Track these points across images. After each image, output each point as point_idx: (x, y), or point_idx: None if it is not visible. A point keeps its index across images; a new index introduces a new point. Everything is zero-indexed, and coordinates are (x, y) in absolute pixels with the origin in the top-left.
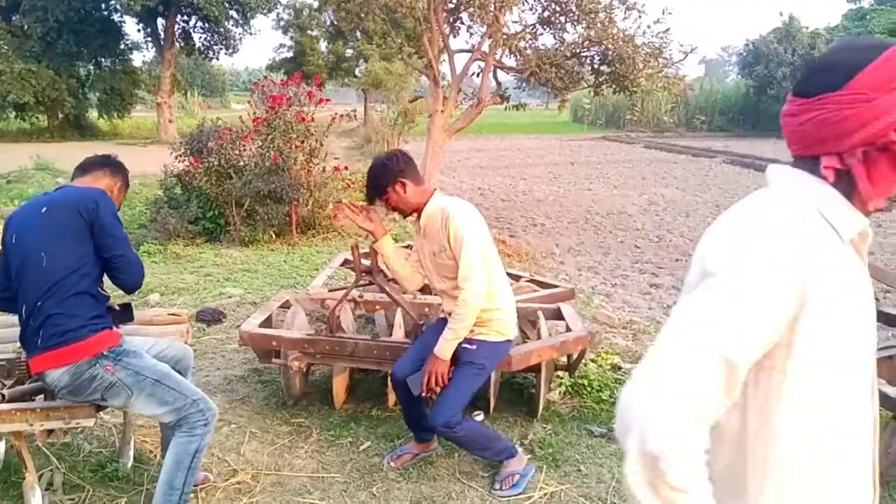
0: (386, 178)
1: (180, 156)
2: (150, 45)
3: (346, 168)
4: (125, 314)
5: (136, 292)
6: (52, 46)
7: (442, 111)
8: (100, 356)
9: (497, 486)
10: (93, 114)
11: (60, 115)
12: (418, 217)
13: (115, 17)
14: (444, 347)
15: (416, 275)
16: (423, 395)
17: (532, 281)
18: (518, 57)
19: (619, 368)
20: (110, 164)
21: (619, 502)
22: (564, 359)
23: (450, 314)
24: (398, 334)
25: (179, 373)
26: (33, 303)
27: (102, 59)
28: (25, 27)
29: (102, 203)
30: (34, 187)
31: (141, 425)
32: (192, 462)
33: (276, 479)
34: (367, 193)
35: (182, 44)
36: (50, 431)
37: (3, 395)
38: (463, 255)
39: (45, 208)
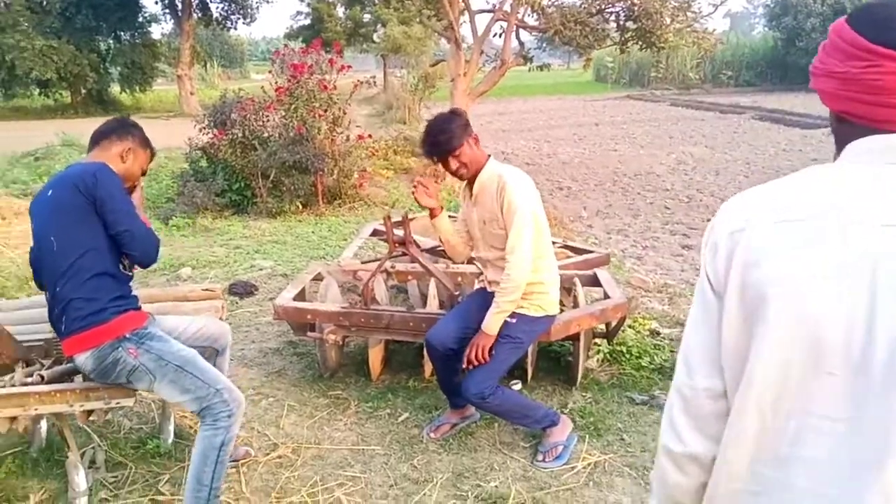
0: (459, 134)
1: (204, 128)
2: (168, 16)
3: (369, 136)
4: None
5: (167, 266)
6: (71, 21)
7: (464, 75)
8: (122, 339)
9: (540, 458)
10: (115, 88)
11: (83, 91)
12: (469, 184)
13: None
14: (491, 322)
15: (466, 247)
16: (465, 368)
17: (566, 247)
18: (541, 15)
19: (658, 334)
20: (116, 129)
21: None
22: (602, 326)
23: (490, 283)
24: (432, 305)
25: (217, 352)
26: (53, 288)
27: (122, 33)
28: (44, 3)
29: (101, 176)
30: (61, 163)
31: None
32: (219, 456)
33: (317, 453)
34: (434, 152)
35: (200, 14)
36: (90, 412)
37: (42, 377)
38: (514, 225)
39: (50, 190)
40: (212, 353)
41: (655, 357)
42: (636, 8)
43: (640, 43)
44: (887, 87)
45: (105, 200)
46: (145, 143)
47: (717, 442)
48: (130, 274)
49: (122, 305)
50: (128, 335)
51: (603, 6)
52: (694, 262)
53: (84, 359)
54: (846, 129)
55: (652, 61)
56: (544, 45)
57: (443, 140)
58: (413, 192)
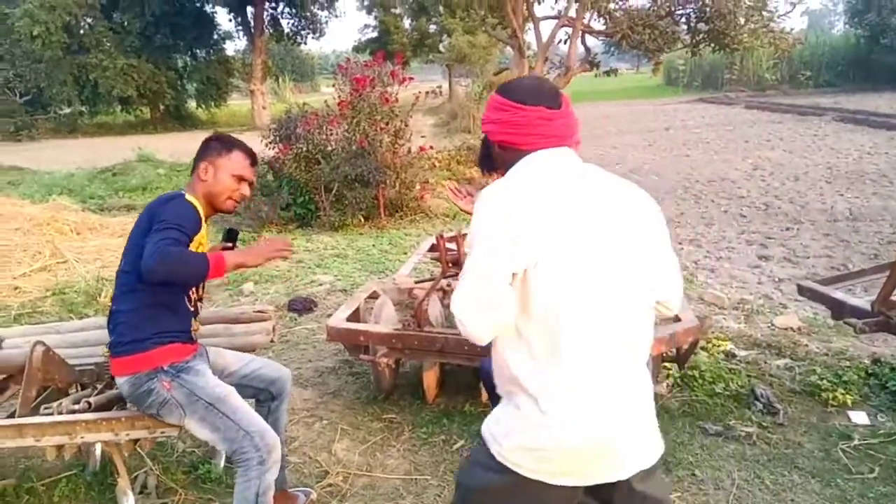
0: None
1: (270, 143)
2: (242, 33)
3: (431, 147)
4: (233, 237)
5: (231, 281)
6: (150, 41)
7: None
8: (159, 370)
9: None
10: (191, 104)
11: (162, 107)
12: None
13: (207, 8)
14: None
15: None
16: None
17: None
18: (608, 20)
19: (733, 356)
20: (198, 151)
21: None
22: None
23: None
24: None
25: (273, 397)
26: (112, 307)
27: (198, 51)
28: (125, 23)
29: (171, 202)
30: (137, 179)
31: None
32: None
33: (368, 482)
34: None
35: (271, 30)
36: (136, 440)
37: (90, 403)
38: None
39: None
40: (267, 396)
41: (731, 383)
42: (708, 9)
43: (712, 45)
44: (519, 123)
45: (159, 220)
46: (226, 150)
47: None
48: (192, 309)
49: (167, 337)
50: (165, 367)
51: (673, 8)
52: (773, 275)
53: (122, 382)
54: (506, 152)
55: (725, 63)
56: (612, 49)
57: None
58: (453, 201)
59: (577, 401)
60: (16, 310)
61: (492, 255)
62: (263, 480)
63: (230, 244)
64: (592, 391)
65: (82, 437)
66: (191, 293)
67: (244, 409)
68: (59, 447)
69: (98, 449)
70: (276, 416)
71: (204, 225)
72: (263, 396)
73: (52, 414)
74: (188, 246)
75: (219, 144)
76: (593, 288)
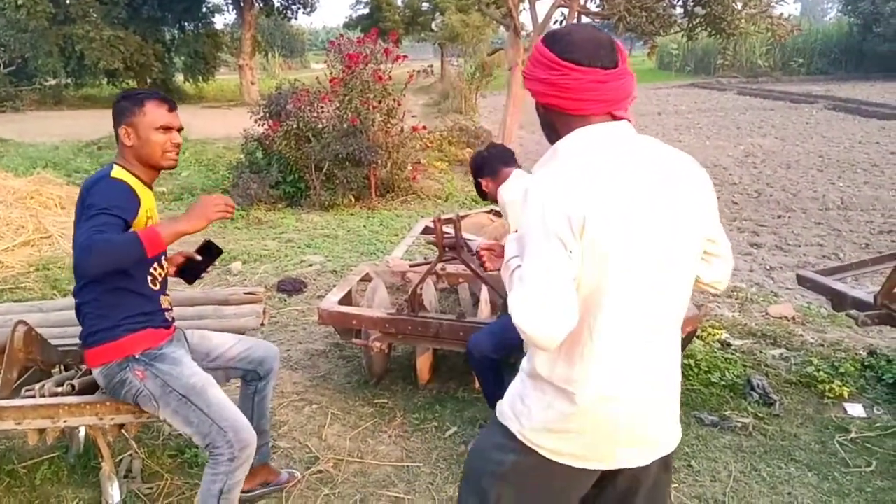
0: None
1: (259, 119)
2: (231, 7)
3: (423, 127)
4: (208, 253)
5: (219, 260)
6: (137, 12)
7: (522, 63)
8: (131, 359)
9: None
10: (178, 78)
11: (149, 80)
12: None
13: None
14: None
15: None
16: None
17: None
18: (604, 1)
19: (729, 346)
20: (113, 117)
21: None
22: None
23: None
24: (484, 311)
25: (260, 377)
26: (75, 300)
27: (186, 24)
28: None
29: (96, 183)
30: None
31: None
32: None
33: (359, 468)
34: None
35: (261, 4)
36: (121, 425)
37: (73, 386)
38: None
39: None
40: (254, 376)
41: (726, 372)
42: None
43: (708, 29)
44: (570, 87)
45: (87, 206)
46: (137, 106)
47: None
48: (156, 289)
49: (138, 322)
50: (137, 355)
51: None
52: (764, 262)
53: (96, 373)
54: (552, 115)
55: (719, 48)
56: (606, 31)
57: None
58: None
59: (608, 385)
60: None
61: (555, 256)
62: (231, 477)
63: (204, 259)
64: (625, 376)
65: (65, 421)
66: (152, 271)
67: (219, 402)
68: (41, 431)
69: (82, 431)
70: (262, 394)
71: (148, 194)
72: (250, 377)
73: (33, 397)
74: (127, 227)
75: (128, 103)
76: (640, 277)
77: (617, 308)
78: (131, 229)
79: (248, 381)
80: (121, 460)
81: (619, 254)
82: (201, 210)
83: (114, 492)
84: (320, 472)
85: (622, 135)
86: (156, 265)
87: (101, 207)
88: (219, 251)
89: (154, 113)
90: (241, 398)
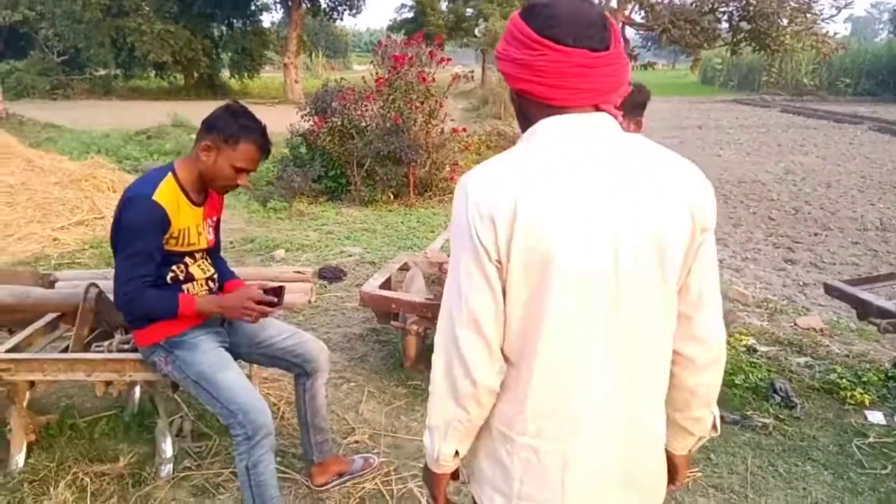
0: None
1: (305, 115)
2: (279, 6)
3: (463, 130)
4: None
5: (262, 247)
6: (188, 7)
7: None
8: (157, 345)
9: None
10: (225, 73)
11: (196, 75)
12: None
13: None
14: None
15: None
16: None
17: None
18: (649, 12)
19: (755, 351)
20: (204, 123)
21: (754, 496)
22: None
23: None
24: None
25: (307, 373)
26: None
27: (234, 21)
28: None
29: (130, 202)
30: (171, 143)
31: (265, 377)
32: (251, 480)
33: (393, 441)
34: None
35: (308, 4)
36: (176, 386)
37: (136, 347)
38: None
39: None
40: (301, 372)
41: (751, 375)
42: (752, 8)
43: (753, 44)
44: (549, 71)
45: (121, 233)
46: (235, 140)
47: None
48: (178, 284)
49: None
50: (161, 342)
51: (716, 5)
52: (798, 278)
53: (140, 351)
54: (527, 104)
55: (764, 64)
56: (650, 43)
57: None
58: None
59: (553, 426)
60: (56, 259)
61: (474, 273)
62: (252, 455)
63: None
64: (577, 416)
65: (130, 376)
66: (174, 269)
67: (230, 386)
68: (108, 384)
69: (137, 392)
70: (311, 393)
71: (188, 212)
72: (297, 372)
73: (103, 352)
74: (156, 254)
75: (232, 128)
76: (592, 289)
77: (563, 324)
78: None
79: (297, 377)
80: (172, 420)
81: (562, 252)
82: (236, 305)
83: (167, 447)
84: (356, 442)
85: (598, 126)
86: (179, 266)
87: (133, 240)
88: (280, 303)
89: (245, 154)
90: (295, 396)
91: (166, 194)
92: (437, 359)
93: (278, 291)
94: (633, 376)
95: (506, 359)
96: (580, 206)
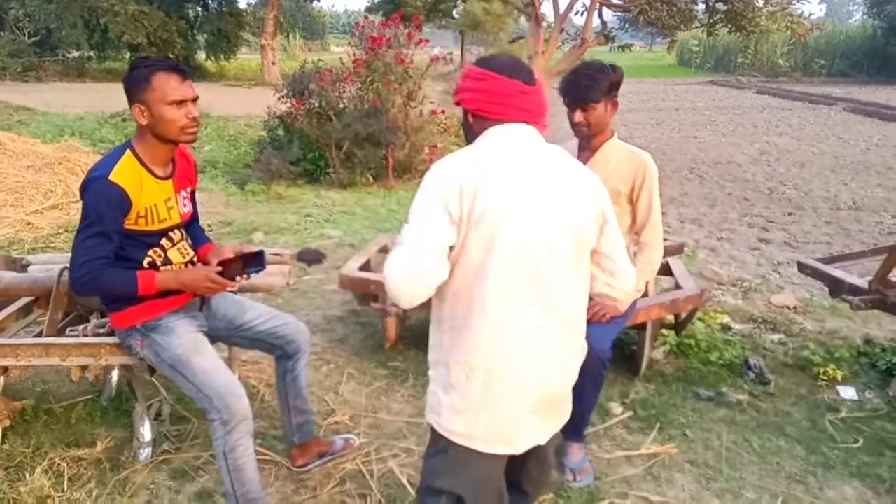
0: (603, 90)
1: (283, 97)
2: None
3: (442, 112)
4: (254, 263)
5: (240, 230)
6: None
7: (542, 53)
8: (133, 329)
9: (571, 477)
10: (200, 55)
11: (171, 57)
12: (587, 149)
13: None
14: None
15: None
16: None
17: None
18: None
19: (729, 329)
20: (126, 94)
21: (728, 471)
22: (671, 317)
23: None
24: None
25: (288, 355)
26: None
27: (210, 1)
28: None
29: (89, 185)
30: None
31: (245, 360)
32: (228, 464)
33: (373, 422)
34: (568, 94)
35: None
36: (153, 370)
37: (112, 331)
38: (654, 201)
39: None
40: (282, 354)
41: (725, 353)
42: None
43: (729, 26)
44: (496, 93)
45: (83, 210)
46: (145, 80)
47: None
48: (157, 266)
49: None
50: (138, 326)
51: None
52: (771, 258)
53: (117, 334)
54: (479, 121)
55: (740, 46)
56: (627, 25)
57: (584, 86)
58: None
59: (500, 353)
60: (29, 244)
61: (434, 221)
62: (228, 440)
63: (248, 263)
64: (518, 348)
65: (106, 360)
66: (151, 253)
67: (205, 371)
68: (83, 368)
69: (114, 377)
70: (293, 374)
71: (153, 187)
72: (278, 354)
73: (77, 336)
74: (115, 234)
75: (136, 75)
76: (527, 255)
77: (505, 281)
78: (140, 270)
79: (278, 359)
80: (150, 404)
81: (508, 226)
82: (196, 281)
83: (145, 431)
84: (336, 423)
85: (533, 135)
86: (156, 250)
87: (90, 222)
88: (262, 267)
89: (164, 87)
90: (276, 378)
91: (125, 173)
92: (390, 259)
93: (259, 256)
94: (557, 325)
95: (455, 311)
96: (525, 191)
